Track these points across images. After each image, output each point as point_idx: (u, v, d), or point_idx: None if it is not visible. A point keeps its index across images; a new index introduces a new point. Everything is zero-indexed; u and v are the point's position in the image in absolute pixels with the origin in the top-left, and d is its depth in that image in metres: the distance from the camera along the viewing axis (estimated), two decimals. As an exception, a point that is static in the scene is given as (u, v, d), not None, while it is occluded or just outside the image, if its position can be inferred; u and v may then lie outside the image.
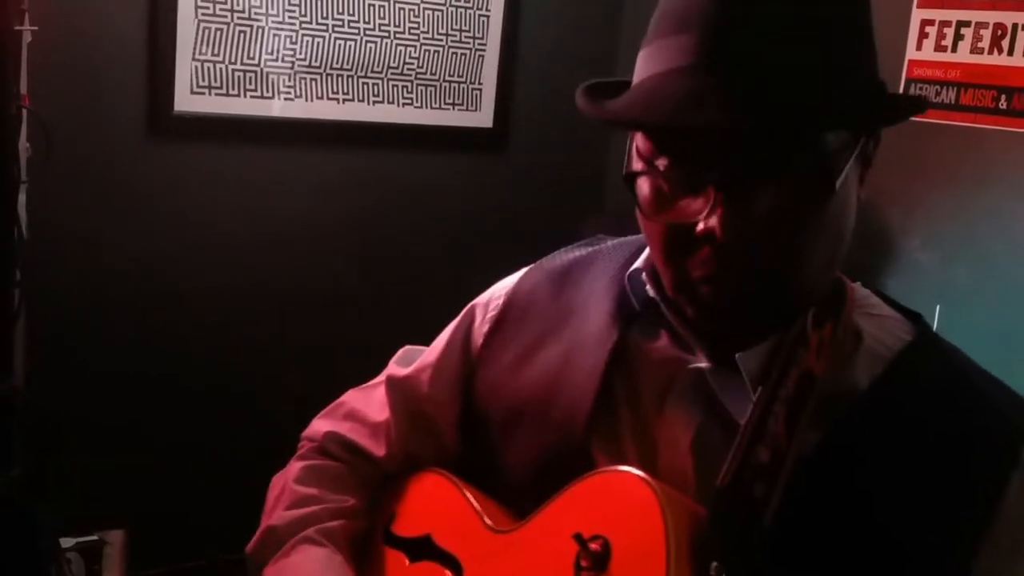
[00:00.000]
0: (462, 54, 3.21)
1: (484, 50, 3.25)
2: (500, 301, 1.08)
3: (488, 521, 0.98)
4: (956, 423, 0.84)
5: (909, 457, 0.83)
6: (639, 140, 0.84)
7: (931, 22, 2.61)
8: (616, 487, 0.85)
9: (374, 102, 3.07)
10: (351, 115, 3.03)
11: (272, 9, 2.80)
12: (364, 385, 1.19)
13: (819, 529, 0.82)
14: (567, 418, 0.95)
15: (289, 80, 2.88)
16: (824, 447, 0.83)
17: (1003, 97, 2.47)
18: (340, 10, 2.92)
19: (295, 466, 1.13)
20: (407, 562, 1.04)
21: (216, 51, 2.74)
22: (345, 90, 3.00)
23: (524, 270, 1.11)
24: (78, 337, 2.64)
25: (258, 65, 2.82)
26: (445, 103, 3.21)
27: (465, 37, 3.20)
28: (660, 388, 0.92)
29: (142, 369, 2.75)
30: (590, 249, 1.08)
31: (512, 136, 3.36)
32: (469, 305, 1.12)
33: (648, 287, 0.94)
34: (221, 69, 2.76)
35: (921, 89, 2.64)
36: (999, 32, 2.47)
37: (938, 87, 2.60)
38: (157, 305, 2.77)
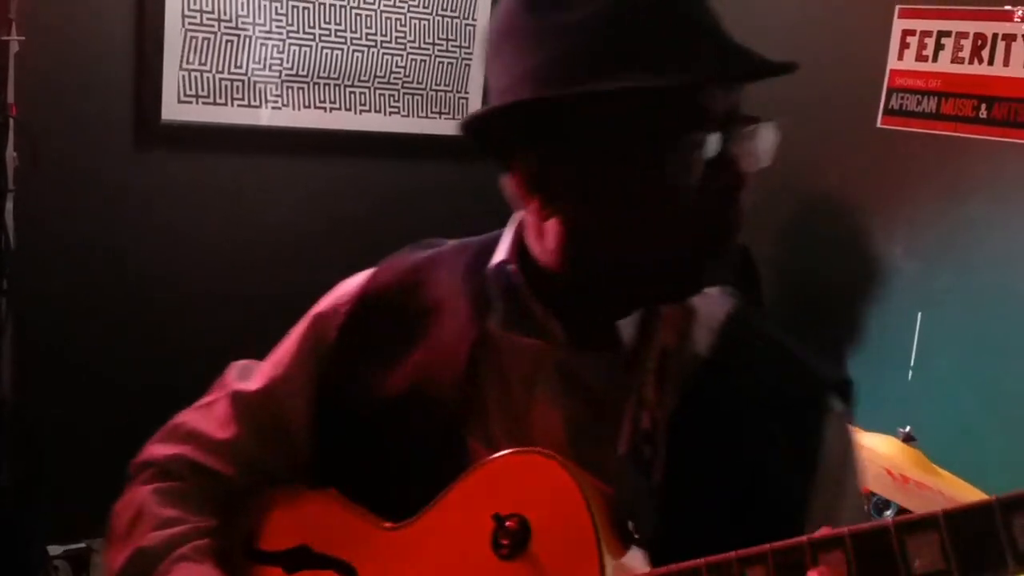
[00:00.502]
0: (448, 63, 3.23)
1: (470, 59, 3.27)
2: (349, 307, 1.08)
3: (371, 520, 0.98)
4: (780, 376, 0.98)
5: (750, 406, 0.95)
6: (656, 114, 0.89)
7: (912, 32, 2.64)
8: (524, 467, 0.88)
9: (361, 111, 3.08)
10: (338, 124, 3.04)
11: (259, 18, 2.82)
12: (198, 404, 1.17)
13: (694, 476, 0.93)
14: (438, 416, 0.98)
15: (276, 89, 2.90)
16: (683, 408, 0.95)
17: (983, 106, 2.50)
18: (327, 19, 2.94)
19: (143, 491, 1.10)
20: (284, 575, 1.03)
21: (203, 60, 2.76)
22: (332, 99, 3.01)
23: (366, 274, 1.11)
24: (66, 346, 2.65)
25: (245, 74, 2.83)
26: (432, 112, 3.23)
27: (451, 46, 3.22)
28: (527, 375, 0.98)
29: (130, 377, 2.76)
30: (432, 251, 1.11)
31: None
32: (311, 314, 1.12)
33: (515, 275, 0.99)
34: (209, 78, 2.78)
35: (903, 98, 2.67)
36: (979, 42, 2.50)
37: (919, 96, 2.63)
38: (145, 313, 2.78)
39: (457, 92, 3.26)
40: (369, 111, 3.10)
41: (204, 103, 2.79)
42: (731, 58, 0.91)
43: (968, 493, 1.56)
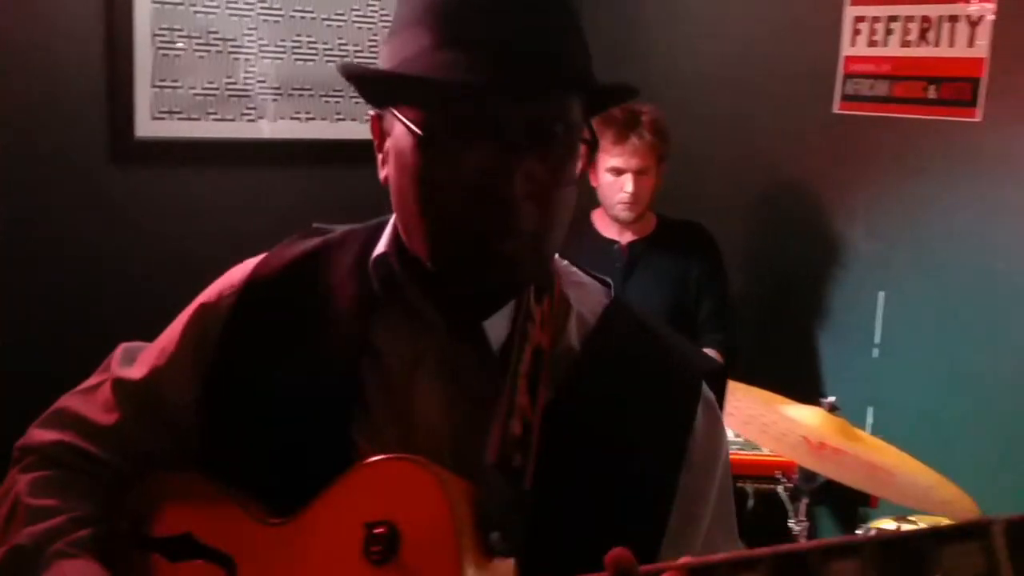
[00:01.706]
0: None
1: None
2: (233, 298, 1.05)
3: (257, 514, 0.97)
4: (654, 367, 0.99)
5: (623, 399, 0.96)
6: (429, 112, 0.88)
7: (863, 18, 2.70)
8: (394, 474, 0.88)
9: (337, 119, 3.17)
10: (315, 133, 3.12)
11: (229, 34, 2.90)
12: (82, 387, 1.14)
13: (568, 479, 0.92)
14: (322, 408, 0.97)
15: (251, 102, 2.98)
16: (555, 407, 0.94)
17: (932, 87, 2.54)
18: (298, 32, 3.02)
19: (22, 480, 1.07)
20: (166, 563, 1.02)
21: (176, 76, 2.84)
22: (307, 109, 3.10)
23: (253, 261, 1.09)
24: (43, 365, 2.70)
25: (218, 89, 2.92)
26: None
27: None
28: (409, 369, 0.97)
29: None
30: (320, 239, 1.08)
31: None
32: (197, 302, 1.09)
33: (395, 268, 0.97)
34: (182, 94, 2.87)
35: (857, 83, 2.72)
36: (925, 25, 2.55)
37: (872, 81, 2.68)
38: (125, 330, 2.84)
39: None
40: (345, 120, 3.18)
41: (179, 119, 2.88)
42: (508, 70, 0.84)
43: (886, 456, 1.61)
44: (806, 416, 1.62)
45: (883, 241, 2.70)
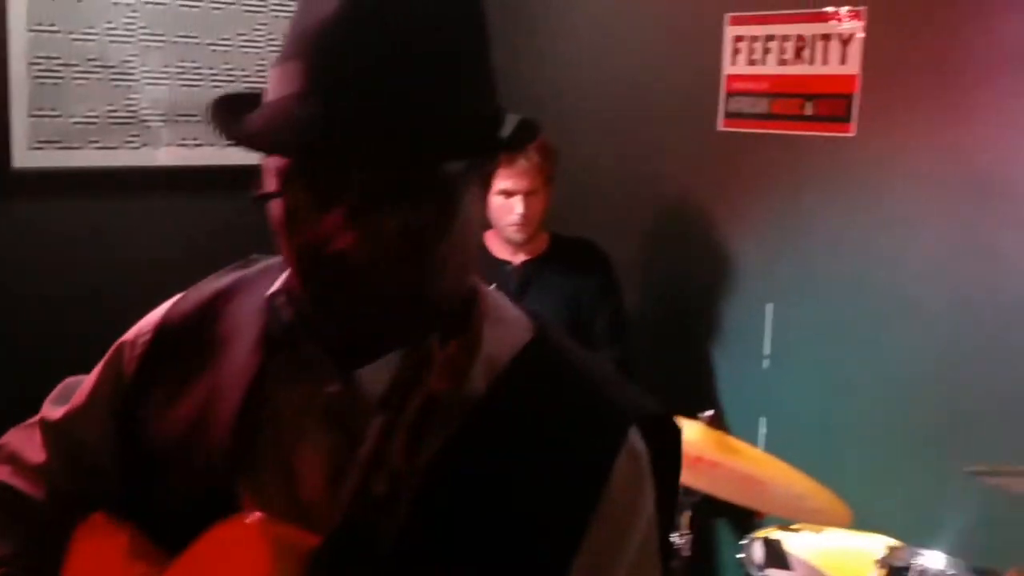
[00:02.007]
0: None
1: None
2: (148, 336, 1.03)
3: (157, 564, 0.93)
4: (566, 415, 0.89)
5: (525, 449, 0.87)
6: (273, 160, 0.85)
7: (742, 38, 2.77)
8: (233, 537, 0.85)
9: (226, 145, 3.11)
10: (204, 160, 3.07)
11: (110, 61, 2.84)
12: (25, 423, 1.12)
13: (444, 541, 0.85)
14: (209, 456, 0.93)
15: (134, 129, 2.92)
16: (442, 461, 0.86)
17: (808, 104, 2.62)
18: (181, 58, 2.97)
19: None
20: None
21: (54, 105, 2.77)
22: (194, 136, 3.05)
23: (173, 300, 1.06)
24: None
25: (99, 117, 2.86)
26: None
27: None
28: (298, 415, 0.92)
29: None
30: (238, 274, 1.05)
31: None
32: (118, 342, 1.06)
33: (283, 311, 0.94)
34: (61, 123, 2.79)
35: (738, 101, 2.78)
36: (800, 43, 2.63)
37: (752, 99, 2.75)
38: (11, 361, 2.76)
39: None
40: (236, 145, 3.13)
41: (58, 148, 2.80)
42: (360, 134, 0.79)
43: (762, 467, 1.64)
44: (685, 430, 1.64)
45: (770, 254, 2.76)
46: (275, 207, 0.85)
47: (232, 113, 0.87)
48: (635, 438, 0.89)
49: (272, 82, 0.85)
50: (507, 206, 2.54)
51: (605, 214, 3.14)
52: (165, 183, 3.00)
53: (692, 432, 1.64)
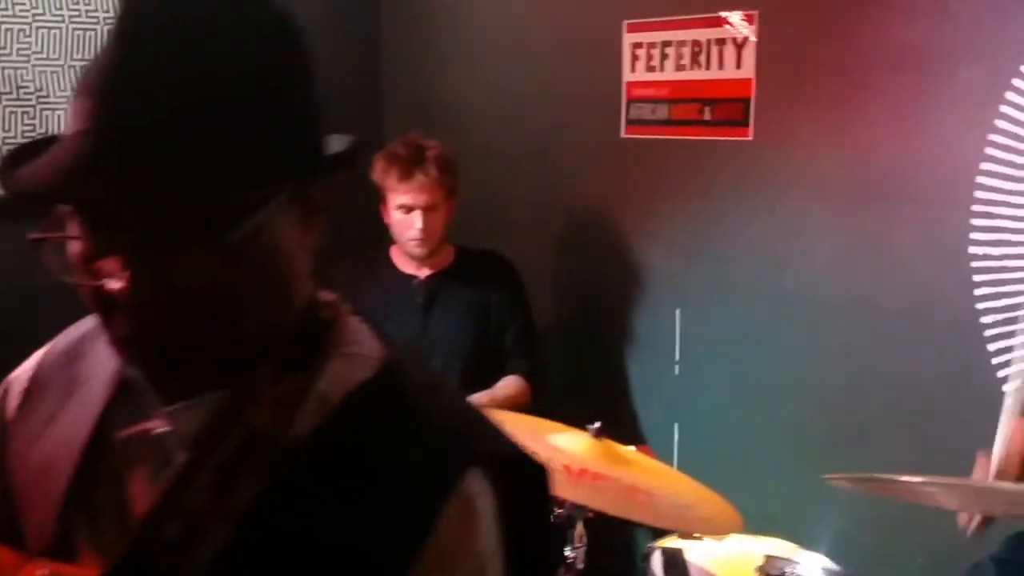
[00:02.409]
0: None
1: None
2: (28, 374, 1.02)
3: None
4: (397, 455, 0.85)
5: (346, 498, 0.83)
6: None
7: (640, 45, 2.77)
8: None
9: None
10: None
11: (38, 85, 2.77)
12: None
13: None
14: (47, 498, 0.91)
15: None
16: (257, 505, 0.83)
17: (706, 109, 2.63)
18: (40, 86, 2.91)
19: None
20: None
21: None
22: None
23: (56, 338, 1.04)
24: None
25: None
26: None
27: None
28: (133, 452, 0.89)
29: None
30: None
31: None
32: (5, 380, 1.05)
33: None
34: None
35: (639, 108, 2.79)
36: (696, 49, 2.64)
37: (653, 105, 2.76)
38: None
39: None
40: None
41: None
42: (44, 176, 0.77)
43: (651, 477, 1.63)
44: (571, 443, 1.63)
45: (677, 260, 2.77)
46: (55, 248, 0.82)
47: (15, 159, 0.83)
48: (473, 481, 0.84)
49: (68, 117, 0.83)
50: (406, 221, 2.52)
51: (513, 224, 3.14)
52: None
53: (579, 445, 1.63)
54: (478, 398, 2.52)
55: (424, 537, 0.81)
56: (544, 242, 3.10)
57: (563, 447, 1.61)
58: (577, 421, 3.00)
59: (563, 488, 1.45)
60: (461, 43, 3.32)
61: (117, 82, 0.77)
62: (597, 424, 1.67)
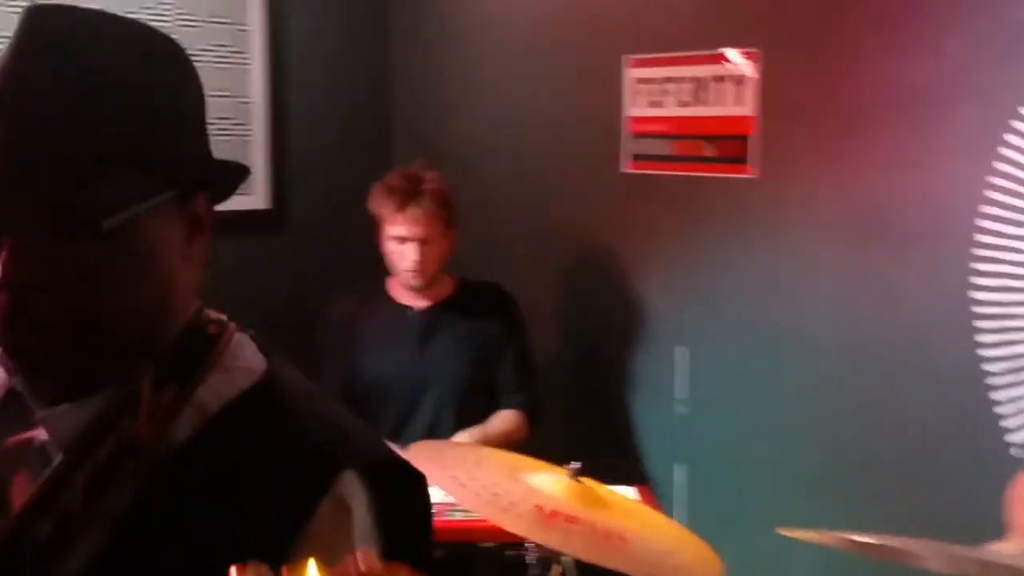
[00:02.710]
0: (225, 141, 3.25)
1: (249, 135, 3.31)
2: None
3: None
4: (270, 463, 0.88)
5: (220, 502, 0.86)
6: None
7: (643, 80, 2.77)
8: None
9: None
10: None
11: None
12: None
13: None
14: None
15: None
16: (131, 510, 0.85)
17: (708, 145, 2.62)
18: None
19: None
20: None
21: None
22: (101, 187, 3.01)
23: None
24: None
25: None
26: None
27: (226, 125, 3.25)
28: (12, 462, 0.92)
29: None
30: None
31: (290, 215, 3.42)
32: None
33: None
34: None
35: (641, 143, 2.78)
36: (697, 85, 2.63)
37: (655, 140, 2.75)
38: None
39: (238, 170, 3.29)
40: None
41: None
42: None
43: (629, 520, 1.60)
44: (548, 483, 1.61)
45: (679, 297, 2.74)
46: None
47: None
48: (347, 484, 0.87)
49: None
50: (401, 252, 2.52)
51: (516, 258, 3.13)
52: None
53: (555, 485, 1.60)
54: (472, 432, 2.50)
55: (297, 536, 0.84)
56: (545, 277, 3.09)
57: (539, 487, 1.58)
58: (574, 459, 2.99)
59: (531, 530, 1.42)
60: (467, 77, 3.34)
61: (8, 87, 0.84)
62: (576, 464, 1.65)
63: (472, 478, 1.54)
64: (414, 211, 2.46)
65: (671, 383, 2.74)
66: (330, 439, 0.91)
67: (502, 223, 3.14)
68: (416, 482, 0.94)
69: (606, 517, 1.55)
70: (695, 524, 2.68)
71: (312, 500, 0.86)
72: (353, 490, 0.87)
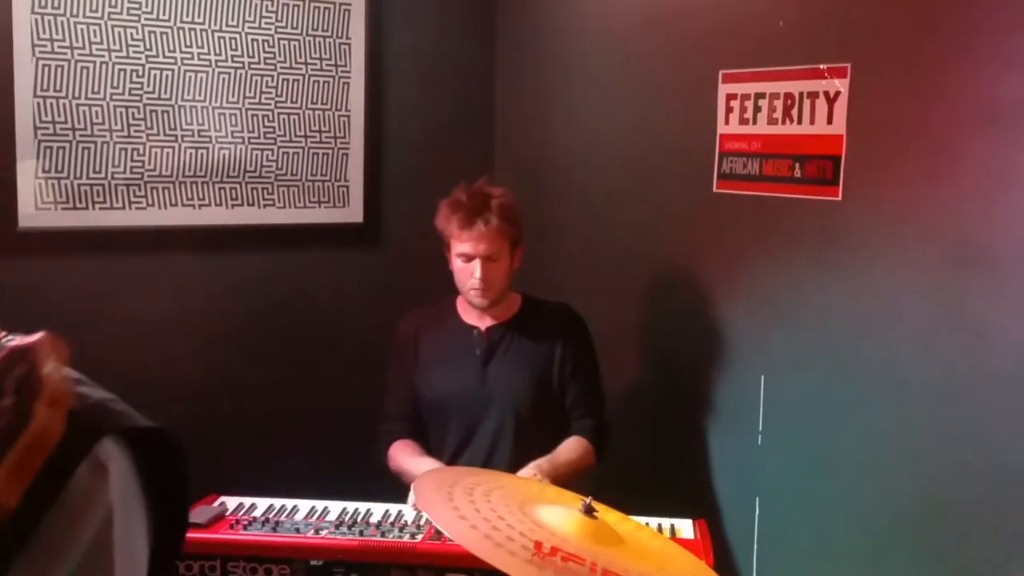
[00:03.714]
0: (324, 154, 3.31)
1: (348, 148, 3.36)
2: None
3: None
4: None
5: None
6: None
7: (735, 96, 2.65)
8: None
9: (233, 205, 3.18)
10: (210, 219, 3.13)
11: (116, 124, 2.94)
12: None
13: None
14: None
15: (140, 190, 3.00)
16: None
17: (797, 165, 2.48)
18: (188, 120, 3.05)
19: None
20: None
21: (60, 167, 2.88)
22: (201, 196, 3.11)
23: None
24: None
25: (105, 178, 2.95)
26: (311, 201, 3.31)
27: (326, 138, 3.31)
28: None
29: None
30: None
31: (383, 229, 3.44)
32: None
33: None
34: (67, 184, 2.89)
35: (732, 162, 2.66)
36: (789, 102, 2.49)
37: (745, 159, 2.62)
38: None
39: (336, 181, 3.35)
40: (242, 205, 3.19)
41: (64, 208, 2.90)
42: None
43: (638, 562, 1.51)
44: (558, 518, 1.53)
45: (762, 322, 2.61)
46: None
47: None
48: (104, 447, 1.01)
49: None
50: (467, 270, 2.48)
51: (605, 277, 3.05)
52: (173, 242, 3.07)
53: (564, 521, 1.52)
54: (539, 464, 2.42)
55: (60, 489, 0.96)
56: (633, 297, 3.00)
57: (547, 521, 1.51)
58: (650, 489, 2.88)
59: (520, 568, 1.35)
60: (568, 92, 3.28)
61: None
62: (588, 499, 1.57)
63: (475, 510, 1.49)
64: (480, 227, 2.42)
65: (750, 412, 2.61)
66: (91, 412, 1.02)
67: (596, 241, 3.07)
68: (173, 448, 1.08)
69: (611, 556, 1.46)
70: (767, 562, 2.57)
71: (74, 459, 0.98)
72: (111, 452, 1.02)
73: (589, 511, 1.55)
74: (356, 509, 2.36)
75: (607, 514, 1.63)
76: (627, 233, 3.01)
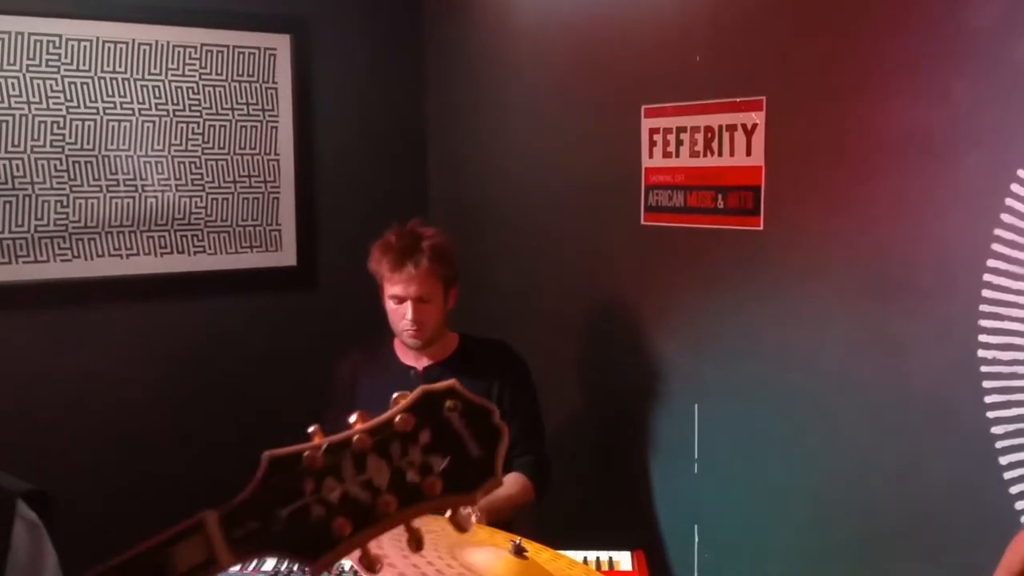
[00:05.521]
0: (254, 198, 3.30)
1: (278, 192, 3.34)
2: None
3: None
4: None
5: None
6: None
7: (657, 130, 2.69)
8: None
9: (162, 254, 3.14)
10: (139, 269, 3.09)
11: (38, 176, 2.90)
12: None
13: None
14: None
15: (65, 242, 2.96)
16: None
17: (720, 197, 2.52)
18: (114, 169, 3.02)
19: None
20: None
21: (-15, 222, 2.83)
22: (129, 245, 3.07)
23: None
24: None
25: (28, 231, 2.90)
26: (242, 247, 3.29)
27: (255, 182, 3.29)
28: None
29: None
30: None
31: (318, 272, 3.43)
32: None
33: None
34: (-7, 238, 2.84)
35: (657, 194, 2.70)
36: (709, 135, 2.54)
37: (670, 191, 2.67)
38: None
39: (268, 225, 3.33)
40: (171, 253, 3.16)
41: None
42: None
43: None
44: (489, 560, 1.53)
45: (693, 353, 2.64)
46: None
47: None
48: (26, 511, 1.09)
49: None
50: (399, 311, 2.48)
51: (535, 314, 3.07)
52: (101, 293, 3.03)
53: (495, 562, 1.53)
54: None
55: (4, 554, 1.04)
56: (566, 332, 3.02)
57: (478, 564, 1.51)
58: (589, 522, 2.89)
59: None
60: (499, 131, 3.31)
61: None
62: (518, 539, 1.57)
63: (403, 556, 1.48)
64: (410, 270, 2.42)
65: (686, 441, 2.64)
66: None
67: (531, 276, 3.09)
68: (46, 504, 1.18)
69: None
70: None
71: (6, 525, 1.06)
72: (28, 512, 1.10)
73: (519, 552, 1.55)
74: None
75: (539, 553, 1.64)
76: (561, 268, 3.04)
